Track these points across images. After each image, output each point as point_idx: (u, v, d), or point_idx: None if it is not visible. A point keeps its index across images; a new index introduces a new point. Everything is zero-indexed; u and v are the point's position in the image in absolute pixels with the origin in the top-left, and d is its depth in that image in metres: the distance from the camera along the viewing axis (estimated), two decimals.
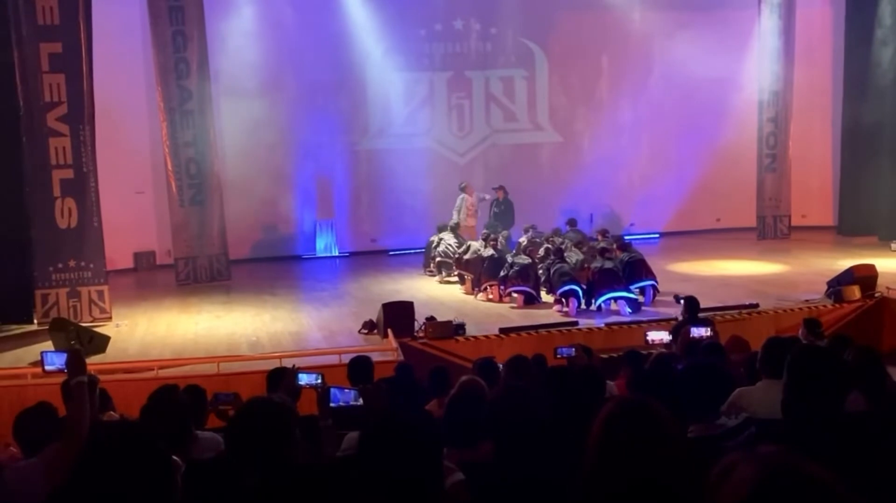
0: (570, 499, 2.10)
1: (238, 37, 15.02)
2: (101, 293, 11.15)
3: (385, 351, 8.75)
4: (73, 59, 10.91)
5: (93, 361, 8.58)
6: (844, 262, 11.87)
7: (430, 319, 9.64)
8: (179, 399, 3.94)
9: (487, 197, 14.91)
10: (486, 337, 9.56)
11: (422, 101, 16.63)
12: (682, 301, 8.88)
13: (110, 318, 11.08)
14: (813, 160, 16.98)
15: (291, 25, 15.44)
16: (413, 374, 6.67)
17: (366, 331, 10.04)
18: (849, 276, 10.75)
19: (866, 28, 15.72)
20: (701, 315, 8.54)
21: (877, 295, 10.62)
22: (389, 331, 9.39)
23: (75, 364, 3.70)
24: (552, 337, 9.29)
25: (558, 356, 6.87)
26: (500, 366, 5.88)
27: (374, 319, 10.04)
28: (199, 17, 13.24)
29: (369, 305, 11.04)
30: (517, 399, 2.85)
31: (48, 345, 9.17)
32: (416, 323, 9.64)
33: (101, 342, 9.52)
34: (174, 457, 2.26)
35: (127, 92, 14.26)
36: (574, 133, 17.11)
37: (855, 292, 10.51)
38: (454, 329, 9.50)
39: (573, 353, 6.69)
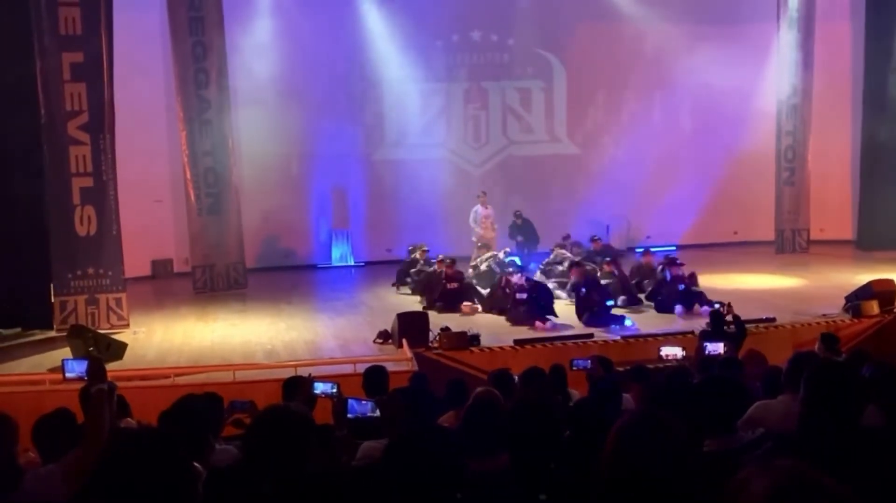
0: None
1: (257, 47, 15.17)
2: (118, 300, 11.23)
3: (400, 361, 8.76)
4: (95, 68, 11.03)
5: (110, 368, 8.60)
6: (863, 277, 11.78)
7: (445, 330, 9.64)
8: (199, 406, 3.97)
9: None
10: (501, 348, 9.55)
11: (438, 111, 16.70)
12: (716, 305, 8.95)
13: (128, 326, 11.15)
14: (831, 174, 16.89)
15: (309, 36, 15.56)
16: (427, 385, 6.67)
17: (380, 341, 10.06)
18: (867, 291, 10.67)
19: (886, 42, 15.67)
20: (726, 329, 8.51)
21: (895, 310, 10.54)
22: (404, 341, 9.40)
23: (96, 371, 3.74)
24: (567, 349, 9.26)
25: (574, 368, 6.86)
26: (516, 377, 5.88)
27: (389, 329, 10.06)
28: (219, 27, 13.37)
29: (384, 315, 11.06)
30: (533, 410, 2.86)
31: (66, 351, 9.25)
32: (430, 333, 9.65)
33: (118, 349, 9.59)
34: (195, 464, 2.29)
35: (147, 101, 14.42)
36: (591, 145, 17.11)
37: (873, 307, 10.43)
38: (469, 340, 9.50)
39: (589, 365, 6.69)
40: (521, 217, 14.90)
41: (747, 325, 9.92)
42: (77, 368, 5.79)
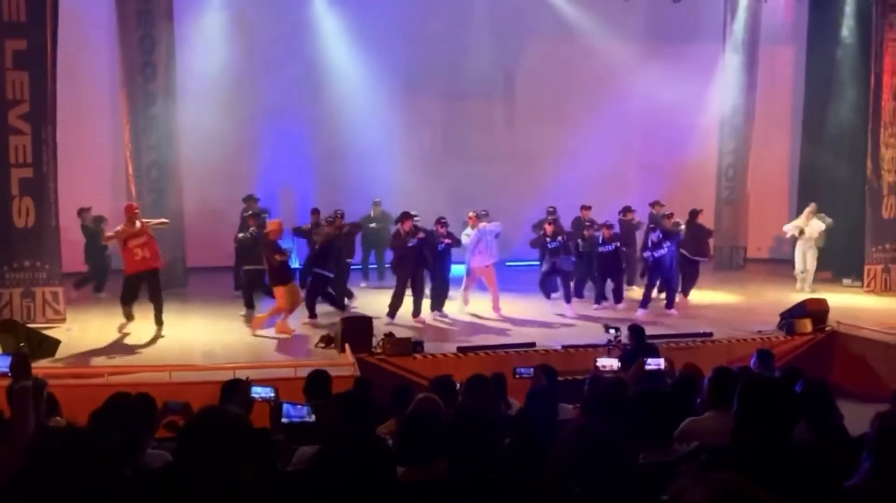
0: None
1: (206, 41, 14.93)
2: (55, 294, 10.96)
3: (342, 366, 8.70)
4: (38, 57, 10.73)
5: (42, 365, 8.41)
6: (797, 296, 12.11)
7: (389, 335, 9.61)
8: (130, 406, 3.88)
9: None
10: (444, 355, 9.55)
11: (390, 118, 16.63)
12: (611, 330, 8.93)
13: (64, 320, 10.89)
14: (770, 194, 17.31)
15: (260, 32, 15.41)
16: (371, 391, 6.63)
17: (323, 345, 9.97)
18: (801, 310, 10.97)
19: (825, 70, 16.12)
20: (649, 342, 8.69)
21: (827, 328, 10.85)
22: (347, 346, 9.34)
23: (19, 368, 3.63)
24: (510, 357, 9.32)
25: (517, 376, 6.90)
26: (458, 384, 5.89)
27: (332, 333, 9.99)
28: (167, 21, 13.16)
29: (327, 319, 10.97)
30: (474, 418, 2.86)
31: None
32: (374, 338, 9.61)
33: (50, 346, 9.34)
34: (125, 466, 2.23)
35: (91, 93, 14.11)
36: (539, 158, 17.19)
37: (807, 325, 10.73)
38: (412, 346, 9.48)
39: (532, 374, 6.73)
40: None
41: (684, 340, 10.18)
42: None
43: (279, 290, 10.69)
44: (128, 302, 10.52)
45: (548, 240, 12.39)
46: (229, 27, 15.17)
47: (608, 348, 8.75)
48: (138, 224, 10.40)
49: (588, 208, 13.97)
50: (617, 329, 8.94)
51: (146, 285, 10.53)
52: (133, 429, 3.68)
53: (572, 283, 12.58)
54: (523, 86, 17.15)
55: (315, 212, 13.45)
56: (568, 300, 12.27)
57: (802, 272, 14.05)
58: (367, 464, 2.19)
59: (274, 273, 10.80)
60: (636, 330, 8.68)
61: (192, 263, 13.98)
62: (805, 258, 14.06)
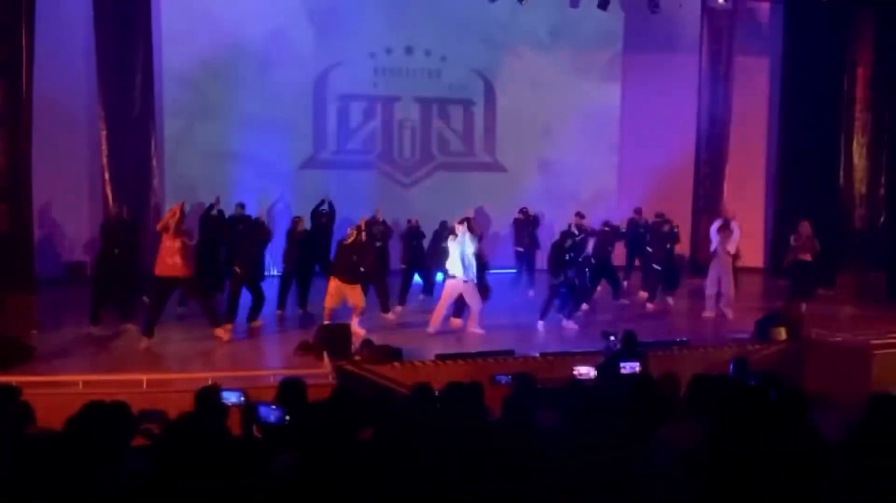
0: None
1: (186, 49, 14.89)
2: (28, 302, 10.82)
3: (319, 373, 8.67)
4: (14, 64, 10.63)
5: (15, 373, 8.31)
6: (773, 303, 12.22)
7: (367, 343, 9.60)
8: (106, 414, 3.84)
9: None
10: (423, 362, 9.55)
11: (369, 124, 16.66)
12: (611, 337, 9.00)
13: (36, 329, 10.75)
14: (746, 203, 17.45)
15: (241, 41, 15.36)
16: (351, 399, 6.61)
17: (301, 353, 9.94)
18: (776, 318, 11.09)
19: (801, 79, 16.33)
20: (639, 350, 8.71)
21: (802, 336, 10.97)
22: (325, 353, 9.31)
23: None
24: (488, 365, 9.33)
25: (495, 383, 6.93)
26: (436, 392, 5.90)
27: (311, 340, 9.95)
28: (146, 27, 13.10)
29: (306, 326, 10.92)
30: (455, 427, 2.87)
31: None
32: (352, 346, 9.58)
33: (24, 353, 9.23)
34: (100, 475, 2.21)
35: (68, 99, 13.97)
36: (519, 165, 17.29)
37: (781, 333, 10.84)
38: (391, 354, 9.47)
39: (509, 381, 6.76)
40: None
41: (661, 347, 10.23)
42: None
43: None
44: (155, 313, 10.12)
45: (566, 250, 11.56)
46: (210, 34, 15.12)
47: (606, 355, 8.77)
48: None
49: (581, 216, 13.93)
50: (616, 335, 8.99)
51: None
52: (109, 437, 3.64)
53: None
54: (503, 93, 17.20)
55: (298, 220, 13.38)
56: (569, 316, 11.60)
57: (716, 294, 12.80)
58: (349, 472, 2.19)
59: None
60: (627, 335, 8.71)
61: None
62: (720, 280, 12.81)
